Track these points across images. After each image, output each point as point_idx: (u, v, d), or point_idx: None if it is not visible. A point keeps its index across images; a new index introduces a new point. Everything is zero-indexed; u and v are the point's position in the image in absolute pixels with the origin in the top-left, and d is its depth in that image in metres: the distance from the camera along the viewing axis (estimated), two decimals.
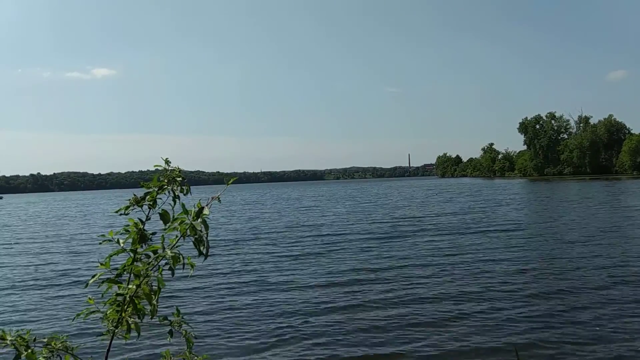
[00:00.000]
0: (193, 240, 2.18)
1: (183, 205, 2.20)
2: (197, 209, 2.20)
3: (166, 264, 2.24)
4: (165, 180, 2.23)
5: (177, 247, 2.21)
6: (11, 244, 28.85)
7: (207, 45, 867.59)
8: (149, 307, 2.25)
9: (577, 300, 11.64)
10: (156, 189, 2.23)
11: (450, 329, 9.99)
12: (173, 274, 2.27)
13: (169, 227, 2.18)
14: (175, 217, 2.19)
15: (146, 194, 2.23)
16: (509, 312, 10.88)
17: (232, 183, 2.32)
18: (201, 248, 2.18)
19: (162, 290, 2.25)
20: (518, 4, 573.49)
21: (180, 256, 2.20)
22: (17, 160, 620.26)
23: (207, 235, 2.18)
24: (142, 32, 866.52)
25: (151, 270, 2.22)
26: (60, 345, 2.35)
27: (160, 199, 2.24)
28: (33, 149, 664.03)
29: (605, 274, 14.23)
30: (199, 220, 2.17)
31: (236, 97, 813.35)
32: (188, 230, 2.16)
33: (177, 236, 2.21)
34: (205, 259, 2.21)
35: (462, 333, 9.70)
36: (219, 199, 2.27)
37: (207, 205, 2.21)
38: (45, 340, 2.35)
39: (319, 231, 28.08)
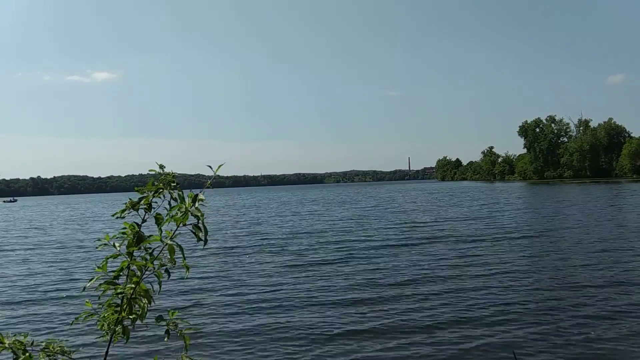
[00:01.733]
0: (191, 228, 2.23)
1: (180, 195, 2.26)
2: (189, 198, 2.27)
3: (161, 265, 2.27)
4: (161, 185, 2.28)
5: (174, 238, 2.26)
6: (15, 248, 28.80)
7: (208, 50, 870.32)
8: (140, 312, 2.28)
9: (578, 305, 11.62)
10: (151, 193, 2.28)
11: (450, 331, 9.99)
12: (169, 275, 2.29)
13: (167, 218, 2.24)
14: (172, 206, 2.25)
15: (141, 198, 2.28)
16: (508, 316, 10.88)
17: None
18: (200, 235, 2.24)
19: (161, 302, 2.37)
20: (518, 8, 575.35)
21: (178, 247, 2.24)
22: (17, 163, 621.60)
23: (203, 222, 2.24)
24: (143, 36, 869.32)
25: (152, 264, 2.26)
26: (57, 348, 2.35)
27: (155, 202, 2.29)
28: (33, 152, 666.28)
29: (607, 278, 14.20)
30: (195, 206, 2.23)
31: (236, 101, 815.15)
32: (187, 216, 2.22)
33: (172, 230, 2.27)
34: (205, 244, 2.25)
35: (462, 336, 9.70)
36: (210, 185, 2.35)
37: (201, 192, 2.28)
38: (42, 344, 2.35)
39: (327, 238, 26.47)
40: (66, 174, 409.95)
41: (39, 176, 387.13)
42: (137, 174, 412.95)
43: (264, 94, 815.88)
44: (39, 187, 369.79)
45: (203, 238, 2.24)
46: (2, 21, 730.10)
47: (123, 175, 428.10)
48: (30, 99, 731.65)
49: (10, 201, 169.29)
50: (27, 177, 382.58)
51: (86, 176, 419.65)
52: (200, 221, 2.23)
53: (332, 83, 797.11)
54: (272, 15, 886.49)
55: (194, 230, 2.24)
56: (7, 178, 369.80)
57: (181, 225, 2.24)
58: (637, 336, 9.33)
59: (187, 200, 2.24)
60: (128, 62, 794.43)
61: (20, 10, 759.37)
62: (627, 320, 10.28)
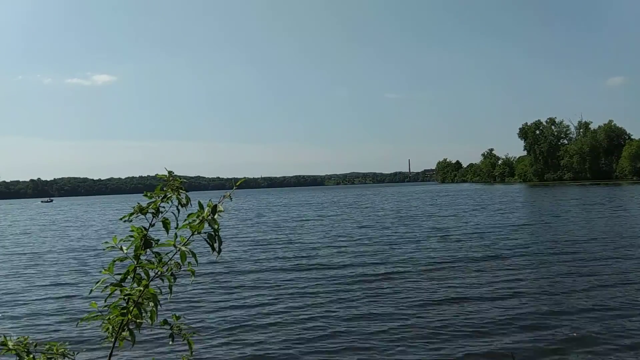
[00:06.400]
0: (205, 237, 2.25)
1: (200, 203, 2.28)
2: (209, 207, 2.28)
3: (167, 270, 2.28)
4: (169, 190, 2.31)
5: (188, 244, 2.27)
6: (21, 250, 28.75)
7: (208, 50, 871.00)
8: (147, 315, 2.30)
9: (578, 308, 11.61)
10: (160, 198, 2.31)
11: (449, 334, 9.97)
12: (175, 279, 2.31)
13: (184, 224, 2.25)
14: (191, 213, 2.28)
15: (149, 203, 2.31)
16: (508, 319, 10.86)
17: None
18: (214, 244, 2.25)
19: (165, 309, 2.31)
20: (518, 10, 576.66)
21: (190, 253, 2.25)
22: (17, 165, 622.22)
23: (219, 232, 2.28)
24: (143, 39, 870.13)
25: (162, 268, 2.28)
26: (61, 350, 2.38)
27: (163, 207, 2.32)
28: (33, 154, 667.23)
29: (611, 283, 14.09)
30: (215, 216, 2.25)
31: (235, 103, 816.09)
32: (202, 224, 2.23)
33: (184, 236, 2.28)
34: (219, 254, 2.27)
35: (461, 338, 9.69)
36: (230, 197, 2.34)
37: (219, 203, 2.29)
38: (46, 346, 2.38)
39: (347, 249, 22.63)
40: (66, 176, 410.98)
41: (39, 178, 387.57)
42: (137, 175, 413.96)
43: (263, 96, 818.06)
44: (39, 189, 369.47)
45: (217, 248, 2.25)
46: (2, 24, 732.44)
47: (123, 177, 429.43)
48: (31, 101, 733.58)
49: (48, 201, 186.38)
50: (27, 179, 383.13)
51: (86, 178, 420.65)
52: (216, 231, 2.25)
53: (333, 85, 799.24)
54: (282, 15, 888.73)
55: (208, 240, 2.25)
56: (7, 180, 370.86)
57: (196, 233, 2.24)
58: (638, 341, 9.31)
59: (206, 210, 2.25)
60: (128, 65, 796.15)
61: (21, 14, 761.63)
62: (629, 325, 10.24)
